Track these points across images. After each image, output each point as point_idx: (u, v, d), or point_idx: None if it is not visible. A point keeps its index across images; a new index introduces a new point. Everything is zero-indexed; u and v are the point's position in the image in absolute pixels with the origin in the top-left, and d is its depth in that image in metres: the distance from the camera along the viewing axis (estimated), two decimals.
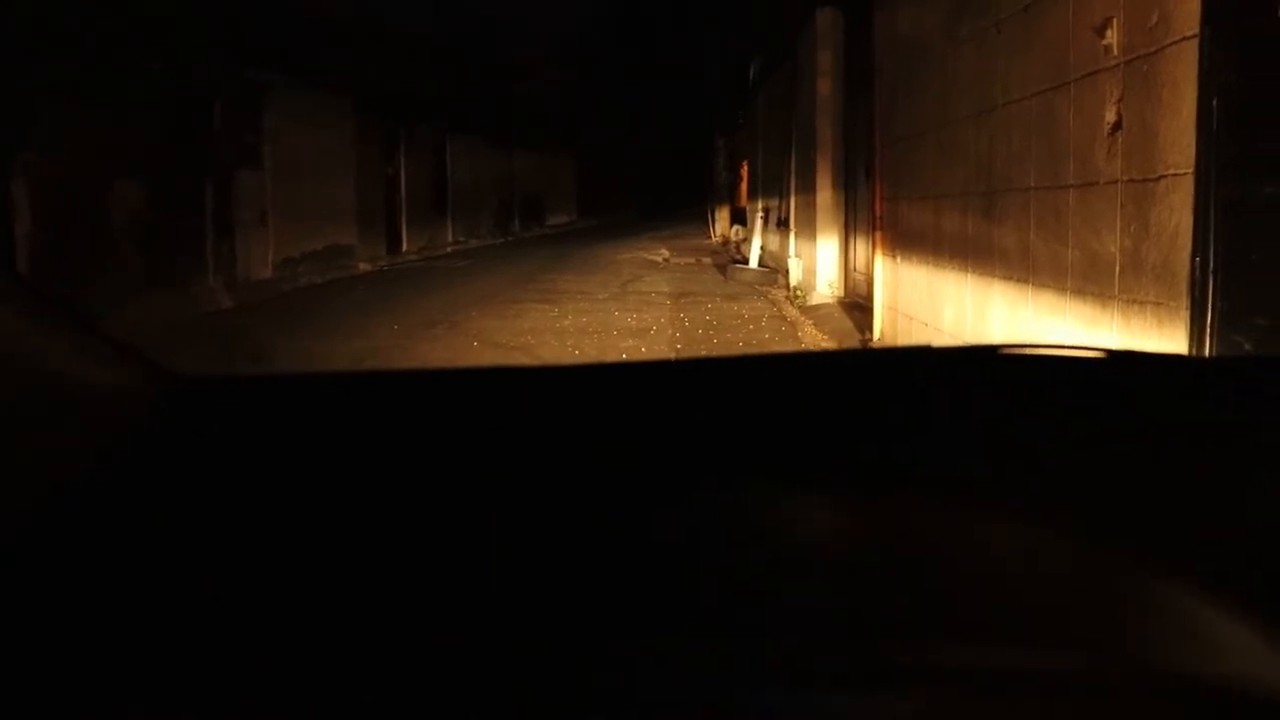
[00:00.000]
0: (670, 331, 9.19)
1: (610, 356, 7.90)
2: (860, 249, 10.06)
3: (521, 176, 30.76)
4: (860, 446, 1.04)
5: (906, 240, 6.90)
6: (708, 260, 18.16)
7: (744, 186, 22.56)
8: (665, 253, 19.63)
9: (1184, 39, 3.10)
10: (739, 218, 22.25)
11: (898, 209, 7.16)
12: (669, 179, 45.62)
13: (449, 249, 22.38)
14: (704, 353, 8.08)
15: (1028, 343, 1.26)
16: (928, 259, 6.30)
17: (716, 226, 27.05)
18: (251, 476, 0.97)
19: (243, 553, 0.81)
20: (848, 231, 10.72)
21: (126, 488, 0.91)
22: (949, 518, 0.87)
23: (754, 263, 14.82)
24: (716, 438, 1.07)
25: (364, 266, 17.01)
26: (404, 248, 20.33)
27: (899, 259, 7.11)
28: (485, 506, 0.90)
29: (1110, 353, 1.23)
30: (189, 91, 11.65)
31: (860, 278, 10.07)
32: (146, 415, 1.01)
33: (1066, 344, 1.39)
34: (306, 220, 15.11)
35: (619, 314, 10.42)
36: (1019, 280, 4.65)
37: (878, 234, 7.71)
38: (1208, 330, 3.09)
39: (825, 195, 11.00)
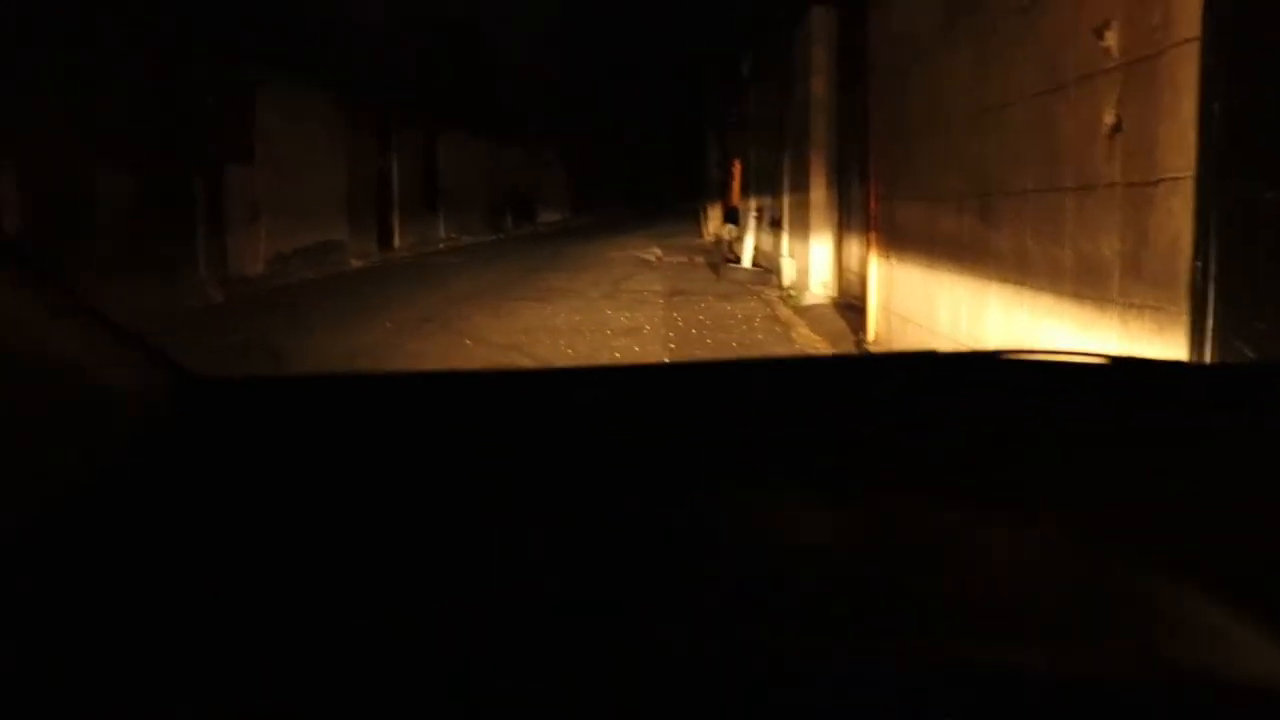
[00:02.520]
0: (664, 331, 9.17)
1: (603, 356, 7.87)
2: (854, 249, 10.05)
3: (513, 174, 30.71)
4: (865, 450, 1.04)
5: (901, 241, 6.88)
6: (700, 259, 18.15)
7: (736, 185, 22.53)
8: (657, 251, 19.62)
9: (1186, 41, 3.09)
10: (731, 216, 22.21)
11: (892, 209, 7.14)
12: (661, 177, 45.61)
13: (441, 245, 22.34)
14: (698, 353, 8.06)
15: (1029, 349, 1.29)
16: (922, 260, 6.29)
17: (709, 225, 27.04)
18: (266, 478, 0.98)
19: (255, 555, 0.81)
20: (841, 231, 10.72)
21: (143, 487, 0.91)
22: (954, 521, 0.88)
23: (747, 262, 14.82)
24: (718, 442, 1.08)
25: (355, 262, 16.96)
26: (396, 244, 20.29)
27: (894, 260, 7.10)
28: (491, 508, 0.90)
29: (1112, 359, 1.25)
30: (181, 87, 11.60)
31: (854, 278, 10.06)
32: (164, 415, 1.01)
33: (1068, 350, 1.43)
34: (298, 216, 15.06)
35: (612, 313, 10.40)
36: (1016, 283, 4.64)
37: (872, 234, 7.70)
38: (1208, 335, 3.08)
39: (819, 194, 11.00)
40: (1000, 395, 1.20)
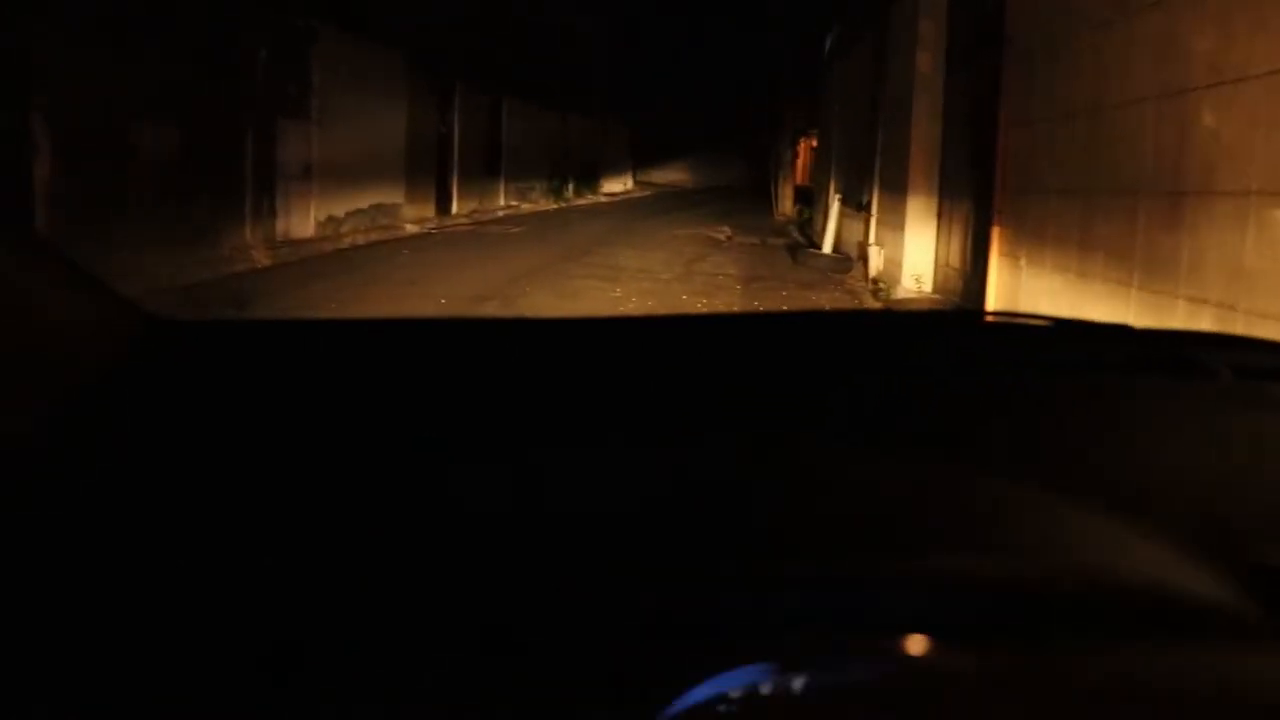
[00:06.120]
0: None
1: None
2: (956, 243, 9.08)
3: (576, 143, 29.89)
4: (827, 397, 1.07)
5: (1037, 240, 5.94)
6: (774, 241, 17.23)
7: (807, 164, 21.59)
8: (727, 230, 18.68)
9: None
10: (803, 197, 21.29)
11: (1025, 202, 6.19)
12: (729, 152, 44.34)
13: (500, 213, 21.58)
14: None
15: (1015, 311, 1.06)
16: (1068, 265, 5.35)
17: (780, 205, 26.04)
18: (228, 425, 0.94)
19: (214, 493, 0.80)
20: (942, 222, 9.74)
21: (94, 431, 0.88)
22: (906, 461, 0.91)
23: (827, 247, 13.90)
24: (701, 391, 1.08)
25: (411, 228, 16.20)
26: (454, 210, 19.54)
27: (1024, 261, 6.16)
28: (470, 453, 0.88)
29: (1058, 321, 1.37)
30: (231, 35, 10.84)
31: (954, 274, 9.10)
32: (119, 356, 0.98)
33: (1043, 315, 1.40)
34: (353, 177, 14.28)
35: (687, 298, 9.54)
36: (1219, 304, 3.72)
37: (995, 230, 6.74)
38: None
39: (918, 180, 10.00)
40: (961, 353, 1.25)
